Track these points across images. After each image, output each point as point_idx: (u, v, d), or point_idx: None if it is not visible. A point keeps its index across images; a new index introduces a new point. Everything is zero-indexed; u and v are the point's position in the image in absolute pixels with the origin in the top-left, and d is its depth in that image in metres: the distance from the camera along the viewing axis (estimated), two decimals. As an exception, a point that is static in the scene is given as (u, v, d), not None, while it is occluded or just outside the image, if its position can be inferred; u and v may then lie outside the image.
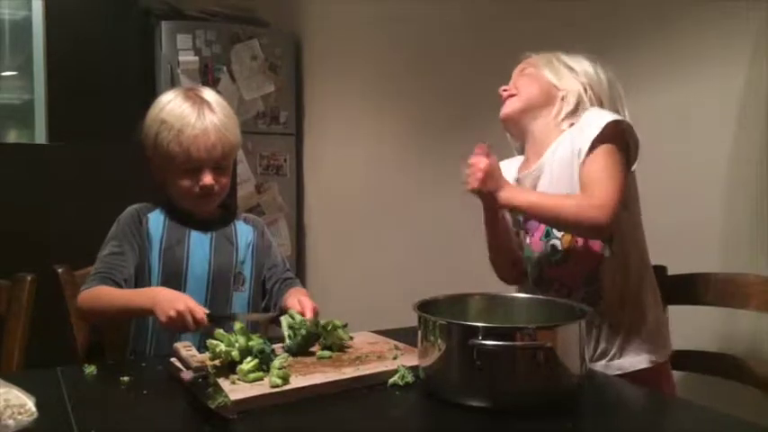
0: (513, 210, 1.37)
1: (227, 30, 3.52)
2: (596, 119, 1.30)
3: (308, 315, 1.33)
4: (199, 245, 1.53)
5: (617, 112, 1.38)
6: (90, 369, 1.20)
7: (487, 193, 1.30)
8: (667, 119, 1.86)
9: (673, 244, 1.80)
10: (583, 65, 1.44)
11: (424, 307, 1.11)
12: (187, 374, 1.07)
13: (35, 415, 0.87)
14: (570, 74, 1.42)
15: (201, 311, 1.26)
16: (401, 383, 1.11)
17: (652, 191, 1.91)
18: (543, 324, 1.09)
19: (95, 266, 1.46)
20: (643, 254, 1.37)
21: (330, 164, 3.53)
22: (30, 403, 0.87)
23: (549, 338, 0.98)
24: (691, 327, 1.52)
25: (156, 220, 1.52)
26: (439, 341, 1.03)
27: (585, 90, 1.40)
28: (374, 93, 3.12)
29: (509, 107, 1.44)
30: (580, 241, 1.33)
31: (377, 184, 3.08)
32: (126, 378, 1.13)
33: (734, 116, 1.72)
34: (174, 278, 1.48)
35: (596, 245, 1.32)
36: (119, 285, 1.43)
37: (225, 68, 3.48)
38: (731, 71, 1.71)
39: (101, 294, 1.40)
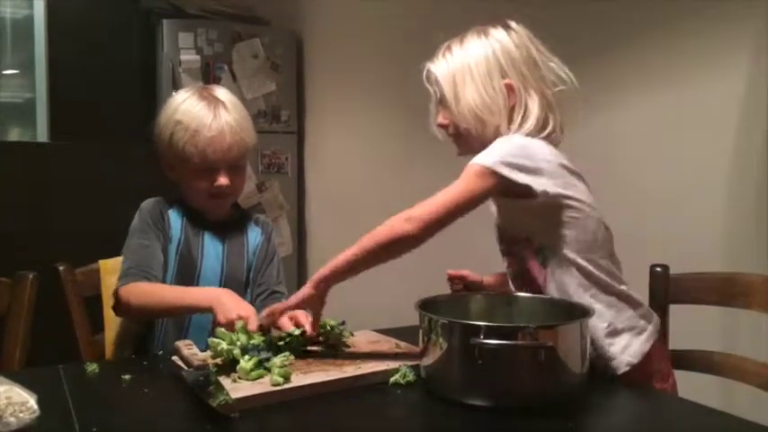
0: (335, 280, 1.23)
1: (228, 28, 3.52)
2: (488, 150, 1.23)
3: (309, 330, 1.27)
4: (212, 248, 1.52)
5: (538, 74, 1.28)
6: (92, 367, 1.20)
7: (298, 305, 1.25)
8: (668, 119, 1.86)
9: (674, 243, 1.80)
10: (475, 51, 1.29)
11: (426, 306, 1.11)
12: (189, 373, 1.08)
13: (37, 413, 0.87)
14: (478, 84, 1.28)
15: (255, 324, 1.23)
16: (402, 382, 1.10)
17: (653, 191, 1.92)
18: (544, 323, 1.09)
19: (127, 261, 1.44)
20: (586, 260, 1.24)
21: (331, 162, 3.53)
22: (31, 401, 0.87)
23: (551, 338, 0.98)
24: (692, 326, 1.51)
25: (175, 217, 1.51)
26: (440, 340, 1.03)
27: (503, 76, 1.27)
28: (375, 91, 3.12)
29: (460, 149, 1.36)
30: (527, 263, 1.28)
31: (378, 183, 3.08)
32: (127, 376, 1.13)
33: (735, 116, 1.72)
34: (188, 278, 1.47)
35: (538, 263, 1.26)
36: (157, 280, 1.42)
37: (226, 67, 3.48)
38: (732, 71, 1.71)
39: (150, 290, 1.39)
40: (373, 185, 3.12)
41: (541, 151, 1.23)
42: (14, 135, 3.52)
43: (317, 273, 1.23)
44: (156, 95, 3.37)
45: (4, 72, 3.50)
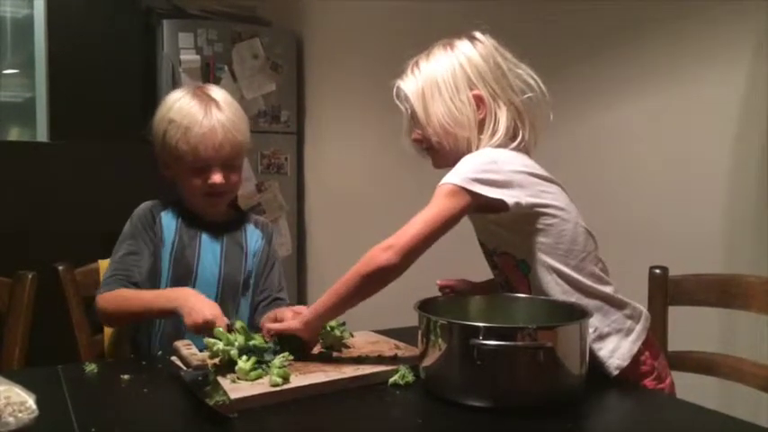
0: (324, 319, 1.23)
1: (228, 29, 3.52)
2: (457, 167, 1.22)
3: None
4: (209, 249, 1.52)
5: (504, 83, 1.29)
6: (90, 367, 1.20)
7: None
8: (668, 120, 1.86)
9: (674, 245, 1.80)
10: (441, 65, 1.30)
11: (425, 306, 1.11)
12: (187, 373, 1.08)
13: (36, 413, 0.87)
14: (446, 97, 1.29)
15: (223, 323, 1.24)
16: (401, 383, 1.11)
17: (653, 192, 1.92)
18: (544, 324, 1.09)
19: (111, 267, 1.46)
20: (567, 266, 1.24)
21: (331, 162, 3.53)
22: (30, 401, 0.87)
23: (550, 338, 0.98)
24: (691, 328, 1.52)
25: (169, 220, 1.51)
26: (440, 341, 1.03)
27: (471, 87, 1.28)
28: (375, 92, 3.12)
29: (435, 163, 1.36)
30: (509, 276, 1.29)
31: (378, 183, 3.08)
32: (126, 376, 1.13)
33: (735, 117, 1.72)
34: (184, 281, 1.47)
35: (519, 275, 1.27)
36: (137, 286, 1.43)
37: (226, 67, 3.48)
38: (732, 71, 1.71)
39: (124, 297, 1.40)
40: (373, 186, 3.12)
41: (510, 162, 1.23)
42: (14, 135, 3.52)
43: (306, 314, 1.23)
44: (156, 95, 3.37)
45: (4, 71, 3.49)
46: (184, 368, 1.12)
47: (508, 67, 1.30)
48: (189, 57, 3.41)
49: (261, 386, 1.05)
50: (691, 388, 1.31)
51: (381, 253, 1.16)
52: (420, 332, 1.08)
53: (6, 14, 3.42)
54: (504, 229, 1.25)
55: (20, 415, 0.85)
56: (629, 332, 1.24)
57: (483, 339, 0.97)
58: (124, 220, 1.51)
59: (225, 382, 1.06)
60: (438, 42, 1.35)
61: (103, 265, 1.60)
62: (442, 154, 1.32)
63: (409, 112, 1.35)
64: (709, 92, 1.77)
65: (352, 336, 1.32)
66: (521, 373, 0.99)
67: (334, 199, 3.47)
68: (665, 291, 1.48)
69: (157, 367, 1.21)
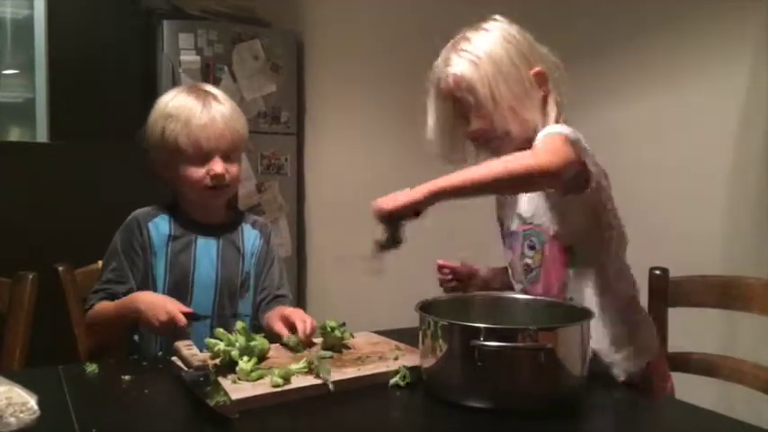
0: (447, 196, 1.09)
1: (228, 29, 3.52)
2: (559, 127, 1.17)
3: (302, 330, 1.29)
4: (205, 252, 1.51)
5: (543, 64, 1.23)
6: (91, 368, 1.20)
7: (405, 207, 1.12)
8: (669, 121, 1.87)
9: (674, 246, 1.80)
10: (493, 47, 1.21)
11: (426, 307, 1.11)
12: (188, 373, 1.07)
13: (37, 413, 0.87)
14: (510, 80, 1.20)
15: (183, 320, 1.29)
16: (402, 384, 1.10)
17: (654, 193, 1.92)
18: (545, 325, 1.09)
19: (96, 284, 1.48)
20: (615, 271, 1.24)
21: (331, 163, 3.53)
22: (31, 401, 0.87)
23: (551, 340, 0.98)
24: (692, 329, 1.51)
25: (161, 227, 1.50)
26: (440, 342, 1.03)
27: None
28: (375, 92, 3.12)
29: (494, 155, 1.22)
30: (548, 260, 1.24)
31: (378, 184, 3.07)
32: (127, 377, 1.13)
33: (735, 118, 1.72)
34: (181, 286, 1.47)
35: (561, 263, 1.23)
36: (118, 297, 1.44)
37: (226, 68, 3.48)
38: (733, 73, 1.71)
39: (97, 311, 1.44)
40: (373, 187, 3.10)
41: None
42: (14, 135, 3.52)
43: (433, 182, 1.08)
44: (156, 96, 3.35)
45: (4, 72, 3.49)
46: (185, 369, 1.12)
47: (537, 46, 1.25)
48: (189, 57, 3.40)
49: (262, 387, 1.05)
50: (691, 389, 1.31)
51: (547, 155, 1.04)
52: (421, 333, 1.08)
53: (6, 15, 3.41)
54: (573, 211, 1.19)
55: (21, 415, 0.85)
56: (645, 341, 1.25)
57: (484, 341, 0.97)
58: (124, 220, 1.51)
59: (226, 382, 1.06)
60: (466, 28, 1.25)
61: (103, 265, 1.60)
62: (507, 143, 1.20)
63: (471, 101, 1.21)
64: (709, 92, 1.77)
65: (353, 337, 1.32)
66: (521, 374, 0.99)
67: (334, 200, 3.47)
68: (666, 292, 1.48)
69: (158, 368, 1.21)
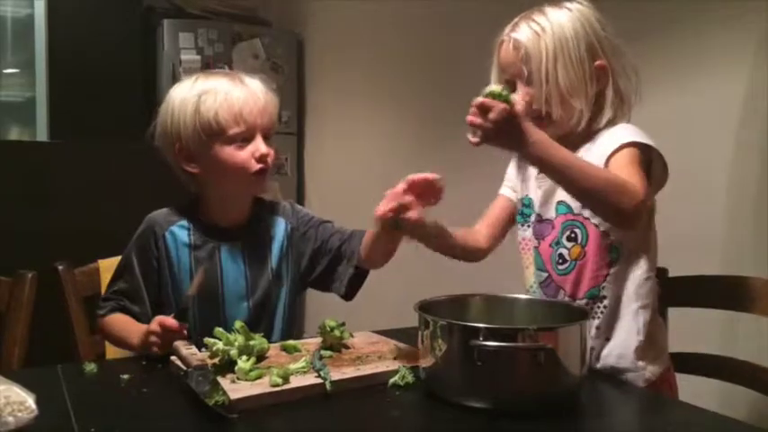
0: (539, 166, 1.10)
1: (229, 29, 3.52)
2: (627, 133, 1.18)
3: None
4: (231, 260, 1.39)
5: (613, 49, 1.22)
6: (90, 367, 1.19)
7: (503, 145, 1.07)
8: (669, 122, 1.86)
9: (675, 246, 1.80)
10: (566, 25, 1.18)
11: (426, 307, 1.11)
12: (187, 373, 1.07)
13: (35, 412, 0.87)
14: (570, 65, 1.17)
15: (171, 321, 1.20)
16: (401, 384, 1.10)
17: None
18: (544, 325, 1.09)
19: (111, 285, 1.40)
20: (649, 272, 1.25)
21: (331, 163, 3.53)
22: (30, 400, 0.87)
23: (550, 340, 0.98)
24: (693, 329, 1.51)
25: (179, 238, 1.38)
26: (440, 342, 1.02)
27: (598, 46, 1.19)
28: (375, 92, 3.12)
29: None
30: (589, 254, 1.22)
31: (378, 184, 3.07)
32: (126, 376, 1.13)
33: (736, 119, 1.72)
34: (211, 300, 1.36)
35: (603, 261, 1.21)
36: (129, 312, 1.37)
37: (226, 67, 3.48)
38: (733, 74, 1.71)
39: (111, 328, 1.37)
40: (373, 187, 3.10)
41: None
42: (14, 134, 3.52)
43: (540, 142, 1.04)
44: (156, 95, 3.37)
45: (5, 71, 3.49)
46: (184, 368, 1.12)
47: (618, 43, 1.21)
48: (189, 57, 3.41)
49: (261, 386, 1.05)
50: (692, 390, 1.31)
51: (629, 193, 1.04)
52: (420, 333, 1.08)
53: (7, 14, 3.42)
54: None
55: (19, 414, 0.85)
56: (663, 349, 1.27)
57: (483, 340, 0.97)
58: (124, 219, 1.49)
59: (225, 381, 1.06)
60: (547, 3, 1.22)
61: (103, 265, 1.59)
62: (545, 126, 1.16)
63: (524, 71, 1.18)
64: (709, 93, 1.77)
65: (352, 336, 1.32)
66: (521, 374, 0.99)
67: (334, 199, 3.47)
68: (665, 292, 1.48)
69: (157, 367, 1.20)
